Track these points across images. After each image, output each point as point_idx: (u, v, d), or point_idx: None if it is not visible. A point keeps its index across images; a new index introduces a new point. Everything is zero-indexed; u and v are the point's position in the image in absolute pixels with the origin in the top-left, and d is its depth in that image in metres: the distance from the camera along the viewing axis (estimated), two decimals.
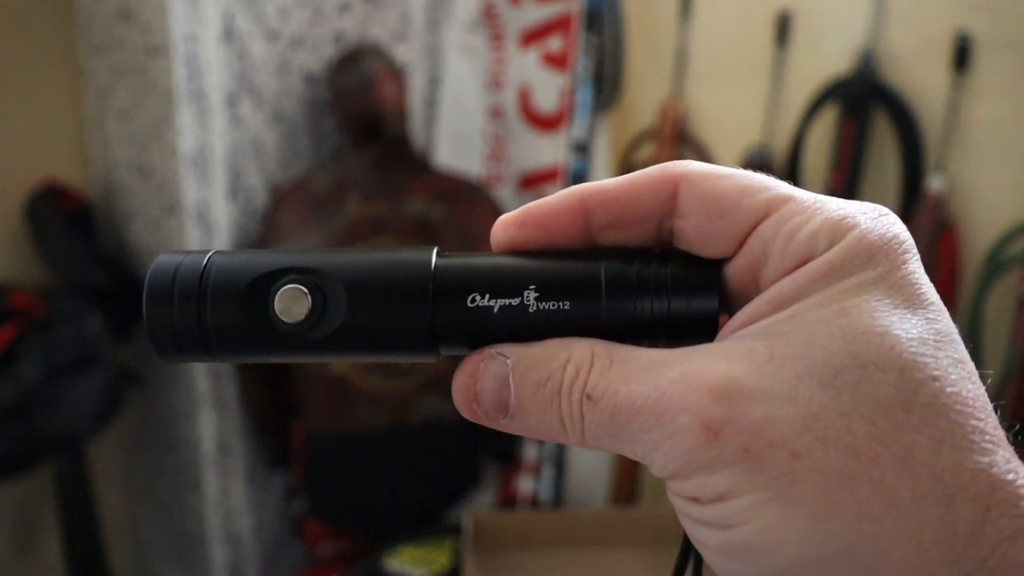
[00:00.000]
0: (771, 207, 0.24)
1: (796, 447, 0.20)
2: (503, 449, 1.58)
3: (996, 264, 1.30)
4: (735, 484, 0.21)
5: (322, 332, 0.25)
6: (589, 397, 0.23)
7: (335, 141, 1.55)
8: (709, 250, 0.25)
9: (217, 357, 0.25)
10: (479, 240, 1.39)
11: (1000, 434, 0.21)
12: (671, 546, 0.26)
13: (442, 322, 0.25)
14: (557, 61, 1.61)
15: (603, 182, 0.25)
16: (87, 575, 1.40)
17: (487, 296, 0.24)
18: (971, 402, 0.21)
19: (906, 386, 0.21)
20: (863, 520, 0.20)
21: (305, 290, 0.25)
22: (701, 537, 0.23)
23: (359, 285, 0.25)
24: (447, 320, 0.25)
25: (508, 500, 1.59)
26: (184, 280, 0.25)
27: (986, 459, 0.20)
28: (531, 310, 0.24)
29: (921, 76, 1.38)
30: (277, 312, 0.25)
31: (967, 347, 0.22)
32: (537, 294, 0.24)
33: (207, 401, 1.42)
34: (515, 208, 0.26)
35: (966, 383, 0.21)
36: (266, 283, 0.25)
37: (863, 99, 1.40)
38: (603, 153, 1.71)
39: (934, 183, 1.34)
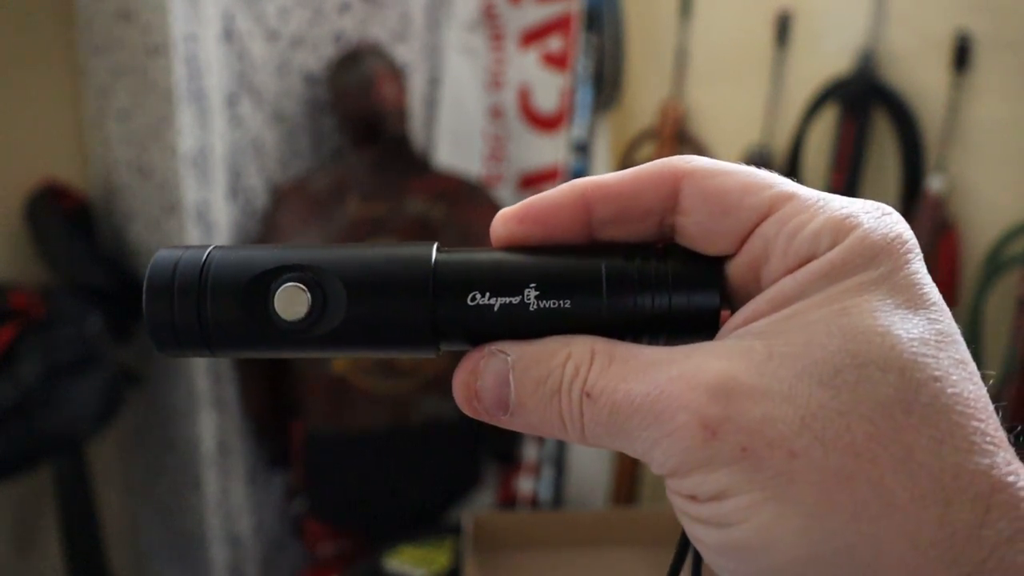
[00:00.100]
0: (774, 205, 0.23)
1: (794, 446, 0.20)
2: (503, 449, 1.58)
3: (996, 264, 1.30)
4: (733, 482, 0.21)
5: (322, 329, 0.25)
6: (588, 395, 0.23)
7: (335, 141, 1.55)
8: (711, 247, 0.25)
9: (218, 352, 0.25)
10: (479, 240, 1.39)
11: (1001, 435, 0.21)
12: (671, 546, 0.26)
13: (442, 318, 0.25)
14: (557, 61, 1.61)
15: (604, 177, 0.25)
16: (87, 575, 1.40)
17: (487, 294, 0.24)
18: (972, 403, 0.21)
19: (906, 386, 0.20)
20: (861, 520, 0.20)
21: (304, 288, 0.25)
22: (699, 535, 0.23)
23: (359, 282, 0.25)
24: (447, 316, 0.25)
25: (508, 500, 1.59)
26: (184, 275, 0.25)
27: (987, 460, 0.20)
28: (531, 308, 0.24)
29: (921, 76, 1.38)
30: (277, 310, 0.25)
31: (968, 347, 0.22)
32: (538, 292, 0.24)
33: (207, 401, 1.42)
34: None
35: (967, 384, 0.21)
36: (265, 280, 0.25)
37: (863, 99, 1.40)
38: (603, 153, 1.71)
39: (934, 183, 1.34)
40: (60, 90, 1.50)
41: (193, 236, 1.35)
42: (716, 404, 0.21)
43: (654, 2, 1.69)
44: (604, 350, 0.24)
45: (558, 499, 1.58)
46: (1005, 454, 0.20)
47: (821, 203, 0.23)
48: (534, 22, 1.63)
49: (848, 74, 1.42)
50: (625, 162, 1.74)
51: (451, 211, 1.42)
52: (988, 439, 0.20)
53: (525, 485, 1.56)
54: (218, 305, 0.25)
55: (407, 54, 1.62)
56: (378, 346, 0.25)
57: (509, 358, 0.24)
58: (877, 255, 0.22)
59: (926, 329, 0.21)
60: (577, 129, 1.60)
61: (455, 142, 1.69)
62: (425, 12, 1.65)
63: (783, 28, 1.50)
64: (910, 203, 1.37)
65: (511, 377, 0.24)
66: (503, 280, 0.25)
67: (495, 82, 1.68)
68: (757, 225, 0.24)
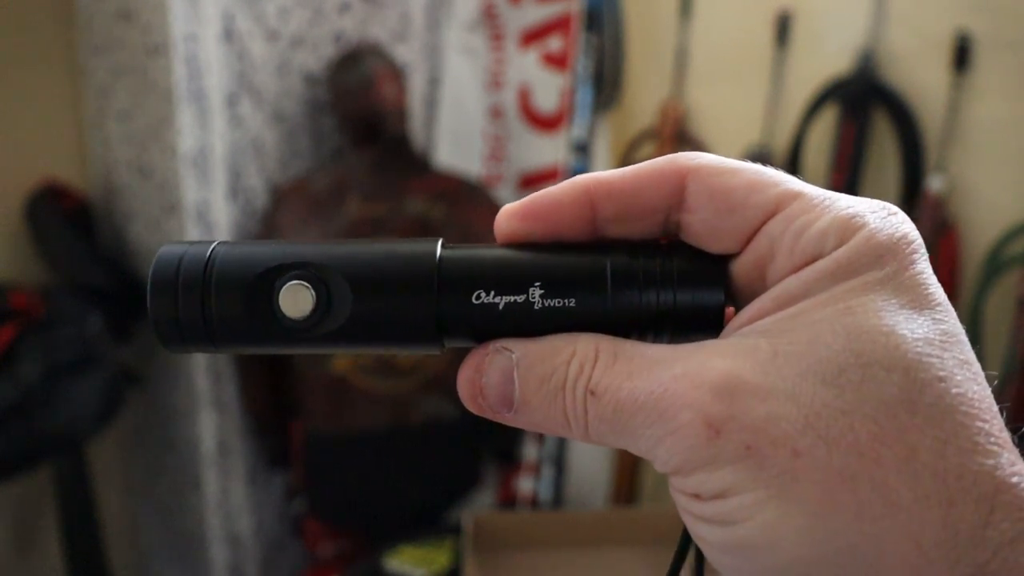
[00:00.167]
0: (780, 204, 0.23)
1: (798, 445, 0.20)
2: (503, 449, 1.58)
3: (996, 264, 1.30)
4: (736, 481, 0.21)
5: (327, 327, 0.25)
6: (593, 393, 0.23)
7: (335, 141, 1.55)
8: (716, 245, 0.25)
9: (222, 348, 0.25)
10: (479, 240, 1.39)
11: (1006, 436, 0.21)
12: (671, 546, 0.26)
13: (447, 315, 0.25)
14: (557, 61, 1.61)
15: (609, 173, 0.25)
16: (87, 575, 1.40)
17: (492, 293, 0.24)
18: (976, 403, 0.21)
19: (910, 386, 0.20)
20: (864, 520, 0.20)
21: (309, 286, 0.25)
22: (702, 534, 0.23)
23: (363, 280, 0.25)
24: (452, 314, 0.25)
25: (508, 500, 1.59)
26: (188, 271, 0.25)
27: (991, 461, 0.20)
28: (536, 307, 0.24)
29: (921, 76, 1.38)
30: (282, 308, 0.25)
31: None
32: (542, 291, 0.24)
33: (207, 401, 1.42)
34: None
35: (972, 384, 0.21)
36: (270, 278, 0.25)
37: (863, 99, 1.40)
38: (603, 153, 1.71)
39: (934, 183, 1.34)
40: (60, 90, 1.50)
41: (193, 236, 1.35)
42: (720, 402, 0.21)
43: (654, 2, 1.69)
44: (608, 348, 0.24)
45: (558, 499, 1.58)
46: (1009, 455, 0.20)
47: (827, 202, 0.23)
48: (534, 22, 1.63)
49: (848, 74, 1.42)
50: (625, 162, 1.73)
51: (451, 211, 1.42)
52: (992, 440, 0.20)
53: (525, 485, 1.56)
54: (222, 302, 0.25)
55: (407, 54, 1.62)
56: (382, 343, 0.25)
57: (514, 355, 0.24)
58: (883, 255, 0.22)
59: (931, 329, 0.21)
60: (577, 129, 1.60)
61: (455, 142, 1.69)
62: (425, 12, 1.65)
63: (783, 28, 1.50)
64: (910, 203, 1.37)
65: (516, 374, 0.24)
66: (508, 279, 0.25)
67: (495, 82, 1.68)
68: (763, 223, 0.24)
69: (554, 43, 1.61)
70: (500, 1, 1.64)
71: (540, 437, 1.55)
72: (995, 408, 0.21)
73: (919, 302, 0.22)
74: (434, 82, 1.70)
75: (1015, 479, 0.20)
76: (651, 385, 0.22)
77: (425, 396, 1.40)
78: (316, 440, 1.42)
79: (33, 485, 1.43)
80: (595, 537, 1.29)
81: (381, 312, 0.25)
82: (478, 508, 1.54)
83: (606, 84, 1.65)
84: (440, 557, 1.31)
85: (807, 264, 0.23)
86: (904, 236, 0.22)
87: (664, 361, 0.23)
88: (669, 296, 0.24)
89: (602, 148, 1.71)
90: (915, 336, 0.21)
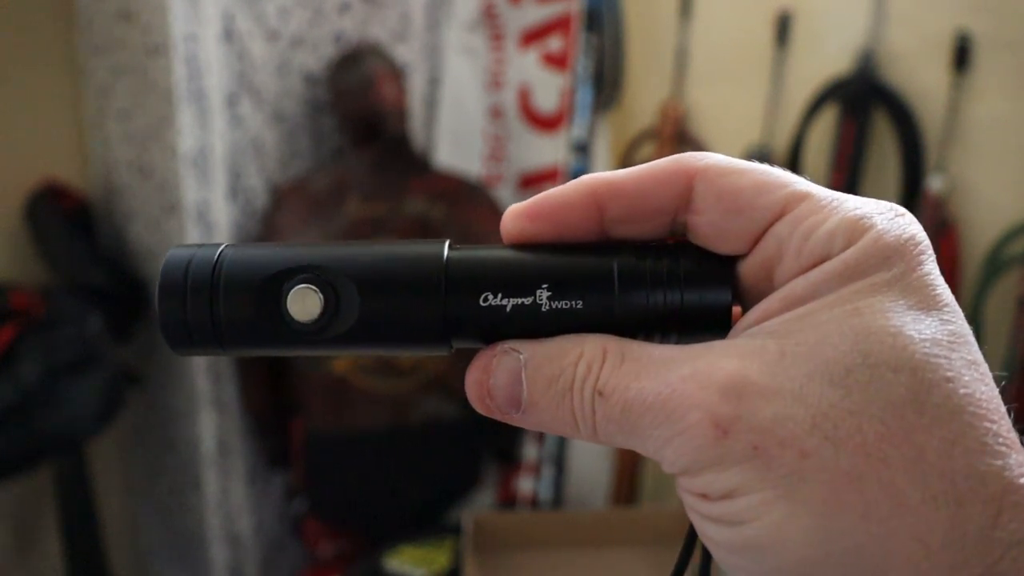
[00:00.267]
0: (788, 204, 0.23)
1: (805, 446, 0.20)
2: (503, 449, 1.58)
3: (996, 264, 1.30)
4: (744, 481, 0.21)
5: (335, 330, 0.25)
6: (601, 393, 0.23)
7: (335, 141, 1.55)
8: (724, 246, 0.25)
9: (230, 351, 0.26)
10: (479, 240, 1.39)
11: (1014, 437, 0.21)
12: (671, 546, 0.26)
13: (455, 317, 0.25)
14: (557, 61, 1.61)
15: (616, 174, 0.25)
16: (87, 575, 1.40)
17: (500, 295, 0.25)
18: (984, 404, 0.21)
19: (918, 387, 0.20)
20: (871, 520, 0.20)
21: (316, 289, 0.25)
22: (710, 533, 0.23)
23: (371, 282, 0.25)
24: (460, 316, 0.25)
25: (508, 500, 1.59)
26: (197, 275, 0.25)
27: (999, 462, 0.20)
28: (544, 309, 0.25)
29: (921, 76, 1.38)
30: (290, 312, 0.25)
31: None
32: (550, 293, 0.24)
33: (207, 401, 1.42)
34: None
35: (979, 384, 0.21)
36: (278, 281, 0.25)
37: (863, 99, 1.41)
38: (603, 153, 1.71)
39: (934, 183, 1.34)
40: (60, 90, 1.50)
41: (193, 236, 1.34)
42: (728, 403, 0.21)
43: (654, 2, 1.69)
44: (616, 349, 0.24)
45: (558, 499, 1.58)
46: (1018, 456, 0.20)
47: (835, 203, 0.23)
48: (534, 22, 1.63)
49: (848, 74, 1.43)
50: (625, 162, 1.74)
51: (451, 211, 1.42)
52: (1000, 440, 0.20)
53: (525, 485, 1.56)
54: (231, 305, 0.25)
55: (407, 54, 1.62)
56: (390, 345, 0.25)
57: (522, 356, 0.25)
58: (891, 256, 0.22)
59: (938, 330, 0.21)
60: (577, 129, 1.60)
61: (455, 142, 1.69)
62: (425, 12, 1.65)
63: (783, 28, 1.50)
64: (910, 203, 1.37)
65: (524, 375, 0.24)
66: (515, 281, 0.25)
67: (495, 82, 1.68)
68: (771, 224, 0.24)
69: (554, 43, 1.61)
70: (500, 1, 1.64)
71: (540, 437, 1.55)
72: (1003, 409, 0.21)
73: (927, 303, 0.22)
74: (434, 82, 1.70)
75: (1023, 480, 0.20)
76: (659, 386, 0.22)
77: (425, 396, 1.40)
78: (316, 440, 1.42)
79: (33, 485, 1.43)
80: (595, 537, 1.29)
81: (389, 315, 0.25)
82: (478, 508, 1.54)
83: (606, 84, 1.65)
84: (440, 557, 1.31)
85: (815, 265, 0.23)
86: (912, 237, 0.22)
87: (672, 362, 0.23)
88: (676, 297, 0.24)
89: (602, 148, 1.71)
90: (923, 337, 0.21)
